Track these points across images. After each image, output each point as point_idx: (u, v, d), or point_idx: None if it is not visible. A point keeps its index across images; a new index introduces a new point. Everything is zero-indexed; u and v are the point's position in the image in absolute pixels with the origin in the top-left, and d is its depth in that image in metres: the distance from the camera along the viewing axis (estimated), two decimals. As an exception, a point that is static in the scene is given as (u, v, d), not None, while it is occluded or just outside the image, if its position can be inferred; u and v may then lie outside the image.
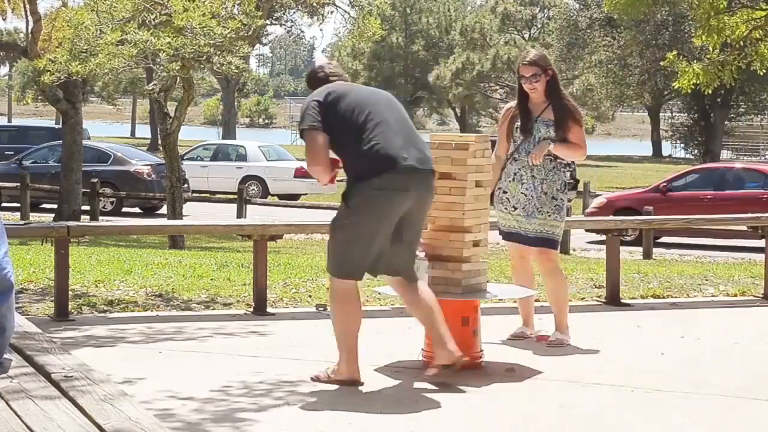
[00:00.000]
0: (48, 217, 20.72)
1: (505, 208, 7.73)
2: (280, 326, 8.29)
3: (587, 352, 7.51)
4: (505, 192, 7.74)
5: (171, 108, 17.84)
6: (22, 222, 17.51)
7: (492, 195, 7.60)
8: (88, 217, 21.44)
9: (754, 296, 10.29)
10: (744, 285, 10.84)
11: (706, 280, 11.44)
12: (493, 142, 7.43)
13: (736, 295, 10.37)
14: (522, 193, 7.68)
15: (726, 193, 19.94)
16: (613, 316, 9.08)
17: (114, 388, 3.62)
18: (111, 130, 73.19)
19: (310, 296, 9.69)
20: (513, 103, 7.84)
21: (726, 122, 56.09)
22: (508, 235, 7.80)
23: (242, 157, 30.85)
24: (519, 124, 7.71)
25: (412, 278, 6.42)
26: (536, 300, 9.54)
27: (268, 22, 35.36)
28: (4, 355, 4.01)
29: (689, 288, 10.75)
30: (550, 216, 7.65)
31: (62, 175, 21.02)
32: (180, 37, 14.24)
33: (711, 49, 19.55)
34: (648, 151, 63.51)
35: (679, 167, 33.85)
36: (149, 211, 25.70)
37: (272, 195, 29.56)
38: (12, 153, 27.87)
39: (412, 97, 66.66)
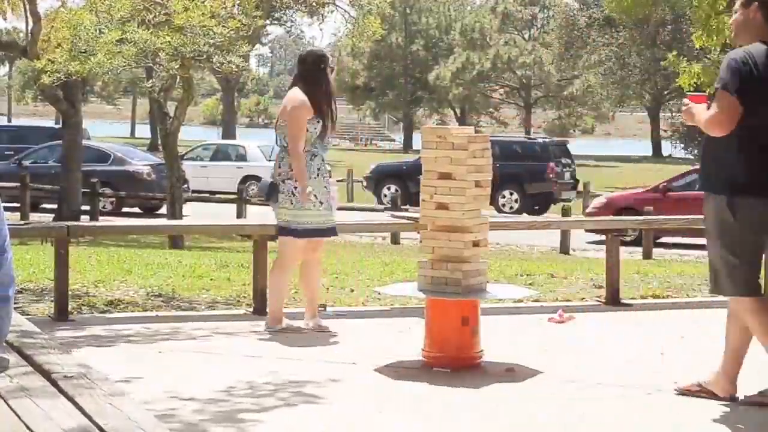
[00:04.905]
0: (48, 217, 20.71)
1: (314, 205, 7.80)
2: (280, 326, 8.28)
3: (587, 352, 7.51)
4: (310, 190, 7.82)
5: (171, 108, 17.82)
6: (22, 222, 17.51)
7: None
8: (88, 217, 21.43)
9: (754, 296, 10.26)
10: (744, 285, 10.80)
11: (706, 280, 11.39)
12: (492, 142, 7.41)
13: (736, 295, 10.33)
14: (324, 186, 7.87)
15: None
16: (613, 316, 9.08)
17: (114, 388, 3.62)
18: (111, 130, 73.17)
19: (310, 296, 9.66)
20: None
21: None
22: (312, 232, 7.87)
23: (242, 157, 30.85)
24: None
25: None
26: (536, 300, 9.56)
27: (268, 22, 35.37)
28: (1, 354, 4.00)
29: (689, 288, 10.74)
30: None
31: (62, 175, 21.00)
32: (180, 36, 14.22)
33: (711, 49, 19.52)
34: (648, 151, 63.53)
35: (679, 167, 33.82)
36: (149, 211, 25.68)
37: (272, 195, 29.53)
38: (12, 153, 27.85)
39: (412, 97, 66.64)
